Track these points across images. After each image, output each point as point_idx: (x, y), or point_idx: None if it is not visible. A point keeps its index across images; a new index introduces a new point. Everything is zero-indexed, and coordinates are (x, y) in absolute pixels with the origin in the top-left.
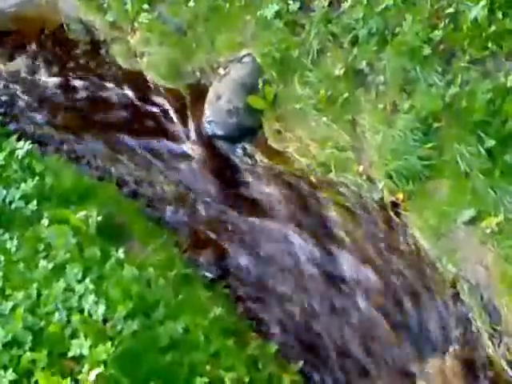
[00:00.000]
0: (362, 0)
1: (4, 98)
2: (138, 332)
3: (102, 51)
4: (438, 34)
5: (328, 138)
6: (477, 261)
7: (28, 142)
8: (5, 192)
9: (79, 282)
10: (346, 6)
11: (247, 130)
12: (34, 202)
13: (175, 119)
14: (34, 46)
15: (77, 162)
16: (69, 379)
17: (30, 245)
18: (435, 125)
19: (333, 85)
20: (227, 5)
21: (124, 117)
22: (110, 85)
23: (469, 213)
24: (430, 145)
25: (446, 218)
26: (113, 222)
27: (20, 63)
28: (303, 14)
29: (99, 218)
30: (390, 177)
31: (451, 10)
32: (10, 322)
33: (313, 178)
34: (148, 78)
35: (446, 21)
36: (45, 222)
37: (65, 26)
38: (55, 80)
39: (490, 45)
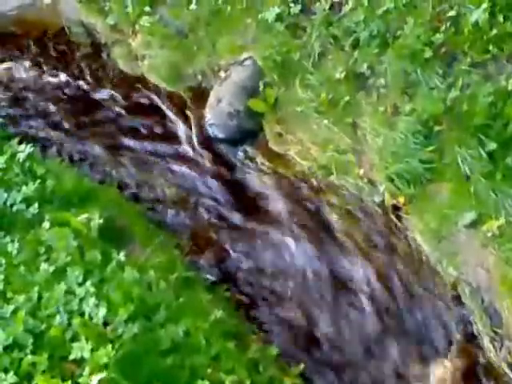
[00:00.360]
0: (363, 3)
1: (5, 101)
2: (139, 335)
3: (103, 54)
4: (439, 37)
5: (329, 140)
6: (478, 264)
7: (29, 145)
8: (6, 195)
9: (80, 284)
10: (347, 8)
11: (248, 133)
12: (35, 205)
13: (176, 122)
14: (35, 49)
15: (78, 165)
16: (69, 382)
17: (31, 248)
18: (436, 128)
19: (334, 88)
20: (228, 8)
21: (125, 119)
22: (110, 87)
23: (470, 216)
24: (431, 148)
25: (447, 221)
26: (114, 225)
27: (21, 66)
28: (304, 16)
29: (100, 221)
30: (391, 180)
31: (452, 13)
32: (11, 325)
33: (314, 181)
34: (149, 80)
35: (448, 24)
36: (46, 224)
37: (66, 28)
38: (56, 82)
39: (491, 48)
